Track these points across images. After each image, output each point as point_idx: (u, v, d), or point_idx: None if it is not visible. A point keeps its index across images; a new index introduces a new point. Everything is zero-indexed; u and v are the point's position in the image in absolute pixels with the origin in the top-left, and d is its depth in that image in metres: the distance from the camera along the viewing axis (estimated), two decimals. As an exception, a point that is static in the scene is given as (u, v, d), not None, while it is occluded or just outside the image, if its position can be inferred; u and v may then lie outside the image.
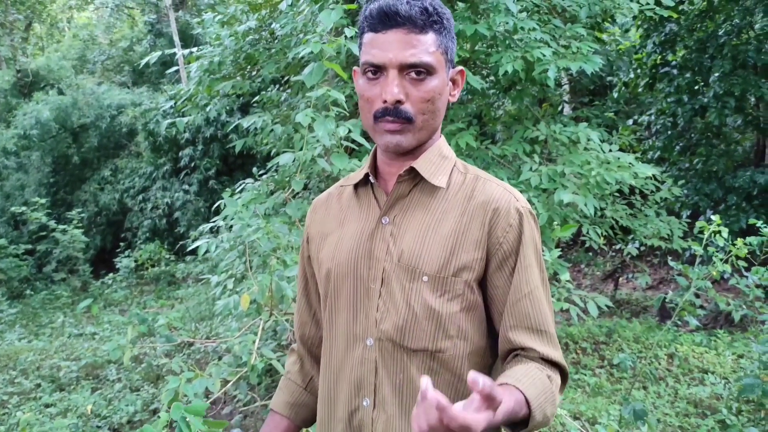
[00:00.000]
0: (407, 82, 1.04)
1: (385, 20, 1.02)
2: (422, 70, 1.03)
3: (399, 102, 1.03)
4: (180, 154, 11.15)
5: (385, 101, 1.03)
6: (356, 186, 1.20)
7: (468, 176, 1.14)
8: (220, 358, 4.70)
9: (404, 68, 1.03)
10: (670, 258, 4.02)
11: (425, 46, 1.03)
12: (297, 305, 1.36)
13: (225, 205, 3.09)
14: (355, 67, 1.14)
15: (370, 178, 1.16)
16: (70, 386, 4.95)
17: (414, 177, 1.12)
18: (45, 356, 5.81)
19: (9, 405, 4.62)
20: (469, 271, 1.07)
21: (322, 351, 1.23)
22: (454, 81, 1.13)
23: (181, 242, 9.78)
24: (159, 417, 4.08)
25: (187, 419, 1.21)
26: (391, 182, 1.14)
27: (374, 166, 1.18)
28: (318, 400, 1.22)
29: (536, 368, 1.03)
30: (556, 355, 1.08)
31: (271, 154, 4.78)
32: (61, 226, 9.77)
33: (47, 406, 4.50)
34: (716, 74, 6.34)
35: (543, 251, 1.22)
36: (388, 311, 1.09)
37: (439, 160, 1.13)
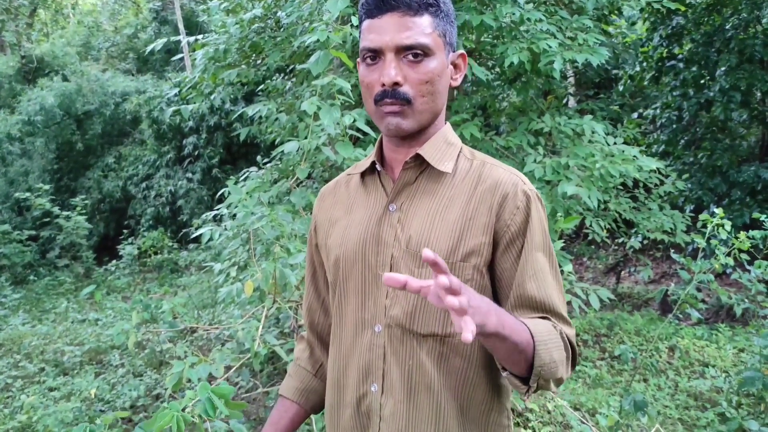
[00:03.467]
0: (405, 65, 1.04)
1: (380, 5, 1.03)
2: (419, 52, 1.03)
3: (397, 84, 1.03)
4: (184, 142, 11.15)
5: (383, 84, 1.04)
6: (363, 174, 1.21)
7: (475, 162, 1.14)
8: (223, 345, 4.73)
9: (401, 51, 1.03)
10: (672, 251, 4.02)
11: (421, 28, 1.03)
12: (305, 293, 1.37)
13: (229, 193, 3.10)
14: (358, 58, 1.14)
15: (377, 165, 1.17)
16: (74, 371, 4.98)
17: (420, 164, 1.13)
18: (49, 341, 5.85)
19: (13, 388, 4.66)
20: (478, 256, 1.07)
21: (331, 337, 1.24)
22: (455, 65, 1.13)
23: (184, 230, 9.81)
24: (162, 402, 4.10)
25: (212, 400, 1.22)
26: (398, 169, 1.15)
27: (381, 154, 1.19)
28: (327, 386, 1.24)
29: (543, 320, 1.04)
30: (569, 331, 1.07)
31: (276, 143, 4.78)
32: (65, 213, 9.79)
33: (51, 389, 4.54)
34: (722, 68, 6.33)
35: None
36: (397, 297, 1.09)
37: (445, 147, 1.14)
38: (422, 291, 0.77)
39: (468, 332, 0.71)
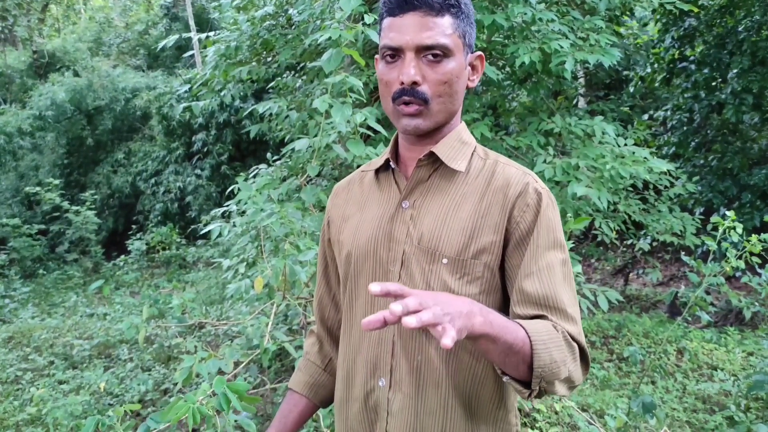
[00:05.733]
0: (424, 65, 1.04)
1: (403, 4, 1.04)
2: (439, 53, 1.04)
3: (415, 83, 1.04)
4: (193, 138, 11.20)
5: (402, 83, 1.05)
6: (377, 171, 1.22)
7: (488, 161, 1.15)
8: (231, 341, 4.74)
9: (421, 50, 1.04)
10: (682, 254, 4.00)
11: (442, 29, 1.03)
12: (317, 288, 1.38)
13: (238, 190, 3.12)
14: (376, 56, 1.15)
15: (391, 163, 1.17)
16: (83, 364, 5.02)
17: (434, 162, 1.13)
18: (58, 334, 5.89)
19: (23, 381, 4.70)
20: (489, 254, 1.07)
21: (341, 332, 1.25)
22: (473, 66, 1.14)
23: (192, 226, 9.86)
24: (171, 397, 4.11)
25: (227, 395, 1.23)
26: (412, 167, 1.15)
27: (395, 152, 1.19)
28: (336, 380, 1.25)
29: (541, 320, 1.00)
30: (572, 329, 1.01)
31: (285, 140, 4.80)
32: (74, 208, 9.86)
33: (60, 382, 4.57)
34: (734, 71, 6.29)
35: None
36: None
37: (459, 145, 1.14)
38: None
39: (447, 338, 0.69)
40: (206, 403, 1.18)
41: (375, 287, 0.74)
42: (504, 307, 1.12)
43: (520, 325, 0.93)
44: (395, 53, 1.06)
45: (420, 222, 1.11)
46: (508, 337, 0.88)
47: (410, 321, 0.69)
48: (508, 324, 0.89)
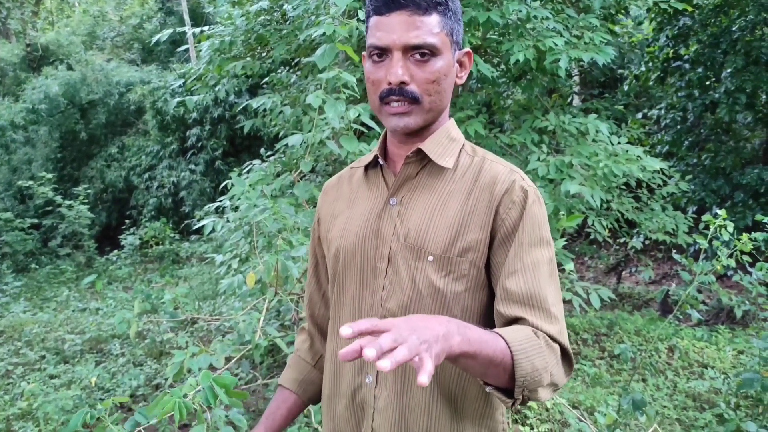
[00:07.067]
0: (412, 64, 1.04)
1: (389, 3, 1.03)
2: (426, 52, 1.04)
3: (403, 83, 1.04)
4: (187, 133, 11.15)
5: (390, 83, 1.04)
6: (366, 168, 1.22)
7: (475, 158, 1.15)
8: (223, 336, 4.74)
9: (408, 50, 1.03)
10: (674, 252, 4.02)
11: (429, 27, 1.03)
12: (307, 285, 1.38)
13: (232, 185, 3.11)
14: (364, 52, 1.14)
15: (379, 160, 1.17)
16: (75, 359, 5.00)
17: (422, 159, 1.13)
18: (50, 329, 5.87)
19: (14, 375, 4.68)
20: (475, 252, 1.07)
21: (329, 329, 1.25)
22: (461, 63, 1.14)
23: (186, 221, 9.83)
24: (163, 392, 4.12)
25: (214, 389, 1.22)
26: (400, 164, 1.15)
27: (384, 149, 1.19)
28: (324, 377, 1.25)
29: (521, 327, 0.98)
30: (552, 329, 1.01)
31: (279, 135, 4.79)
32: (67, 202, 9.81)
33: (52, 377, 4.56)
34: (728, 70, 6.31)
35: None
36: (393, 290, 1.10)
37: (447, 142, 1.14)
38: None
39: (423, 375, 0.67)
40: (193, 397, 1.17)
41: (345, 330, 0.72)
42: (490, 305, 1.12)
43: (500, 335, 0.92)
44: (382, 52, 1.06)
45: (407, 219, 1.11)
46: (488, 350, 0.87)
47: (384, 365, 0.66)
48: (486, 337, 0.88)
